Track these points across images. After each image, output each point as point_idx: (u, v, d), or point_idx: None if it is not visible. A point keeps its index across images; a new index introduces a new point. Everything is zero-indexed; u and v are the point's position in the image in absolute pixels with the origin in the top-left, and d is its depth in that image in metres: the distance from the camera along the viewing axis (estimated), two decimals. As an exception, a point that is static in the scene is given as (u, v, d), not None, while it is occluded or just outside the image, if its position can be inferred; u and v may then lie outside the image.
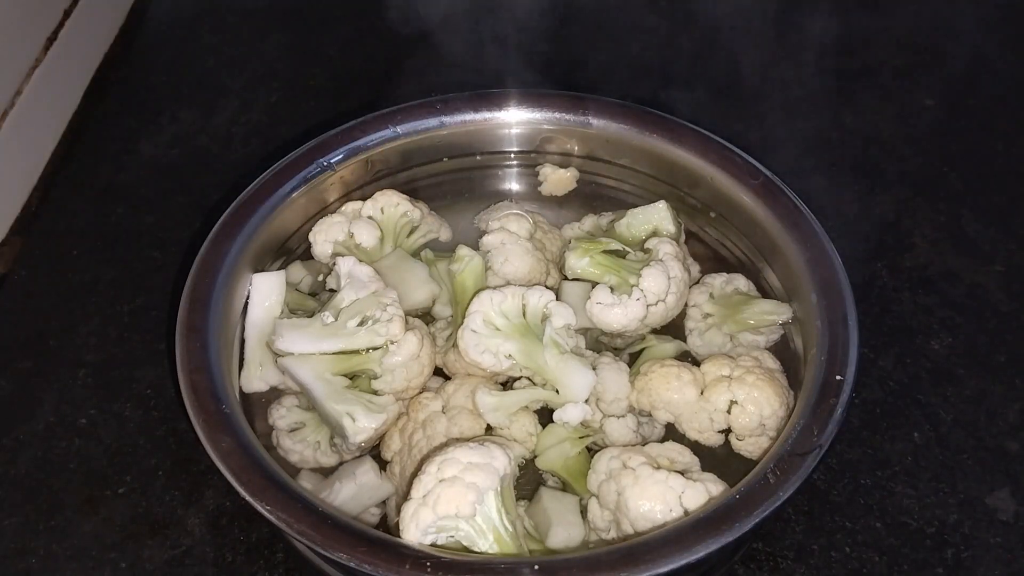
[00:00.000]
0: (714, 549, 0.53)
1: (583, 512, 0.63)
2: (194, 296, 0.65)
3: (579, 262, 0.70)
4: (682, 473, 0.59)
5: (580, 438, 0.66)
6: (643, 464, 0.60)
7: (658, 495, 0.58)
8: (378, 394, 0.65)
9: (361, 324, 0.65)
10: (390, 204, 0.75)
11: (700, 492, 0.58)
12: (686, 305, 0.72)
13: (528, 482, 0.65)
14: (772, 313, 0.69)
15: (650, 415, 0.68)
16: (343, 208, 0.76)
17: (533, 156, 0.80)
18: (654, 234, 0.73)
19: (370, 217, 0.75)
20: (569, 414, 0.64)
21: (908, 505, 0.70)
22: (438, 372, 0.70)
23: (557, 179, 0.80)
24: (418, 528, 0.55)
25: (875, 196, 0.90)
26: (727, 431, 0.65)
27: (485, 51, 0.97)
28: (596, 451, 0.64)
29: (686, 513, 0.57)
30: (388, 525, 0.64)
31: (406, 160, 0.78)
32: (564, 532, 0.61)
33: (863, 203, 0.90)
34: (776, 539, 0.68)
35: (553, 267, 0.75)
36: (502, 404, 0.65)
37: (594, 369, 0.65)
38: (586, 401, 0.64)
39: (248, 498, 0.55)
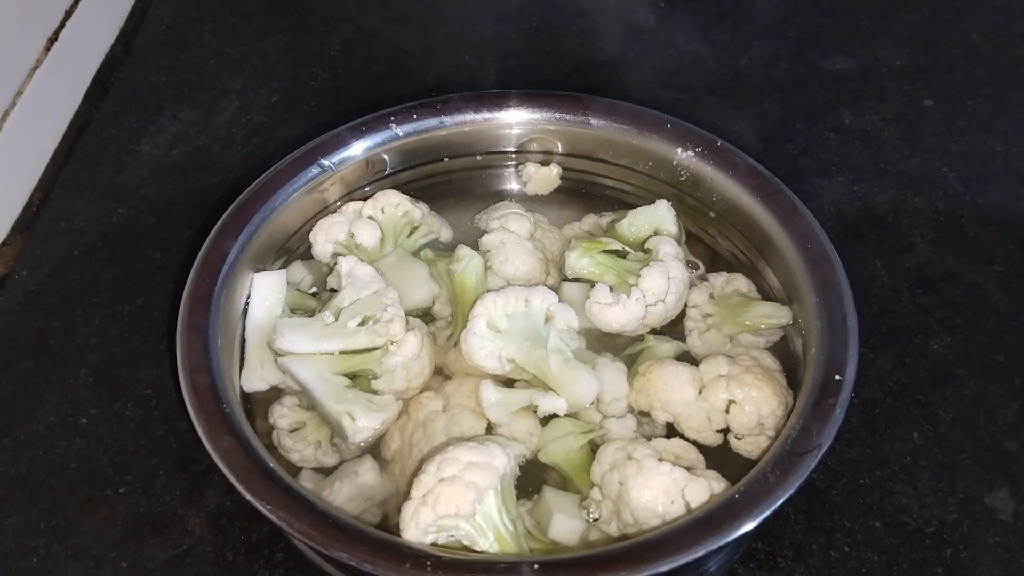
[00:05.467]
0: (714, 548, 0.53)
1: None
2: (195, 296, 0.65)
3: (579, 262, 0.70)
4: (687, 469, 0.60)
5: (583, 433, 0.65)
6: (648, 456, 0.60)
7: (660, 487, 0.58)
8: (378, 394, 0.65)
9: (362, 324, 0.65)
10: (390, 204, 0.75)
11: (703, 487, 0.58)
12: (686, 305, 0.72)
13: (529, 481, 0.65)
14: (772, 316, 0.69)
15: (649, 415, 0.68)
16: (344, 208, 0.76)
17: (533, 156, 0.81)
18: (655, 234, 0.73)
19: (370, 217, 0.75)
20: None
21: (907, 504, 0.70)
22: (438, 371, 0.70)
23: (541, 177, 0.80)
24: (418, 527, 0.55)
25: (874, 196, 0.91)
26: (726, 431, 0.66)
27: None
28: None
29: (688, 507, 0.58)
30: (388, 524, 0.64)
31: (406, 160, 0.78)
32: (566, 521, 0.61)
33: (862, 203, 0.90)
34: (775, 538, 0.68)
35: (553, 267, 0.75)
36: (505, 400, 0.65)
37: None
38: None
39: (249, 497, 0.55)
